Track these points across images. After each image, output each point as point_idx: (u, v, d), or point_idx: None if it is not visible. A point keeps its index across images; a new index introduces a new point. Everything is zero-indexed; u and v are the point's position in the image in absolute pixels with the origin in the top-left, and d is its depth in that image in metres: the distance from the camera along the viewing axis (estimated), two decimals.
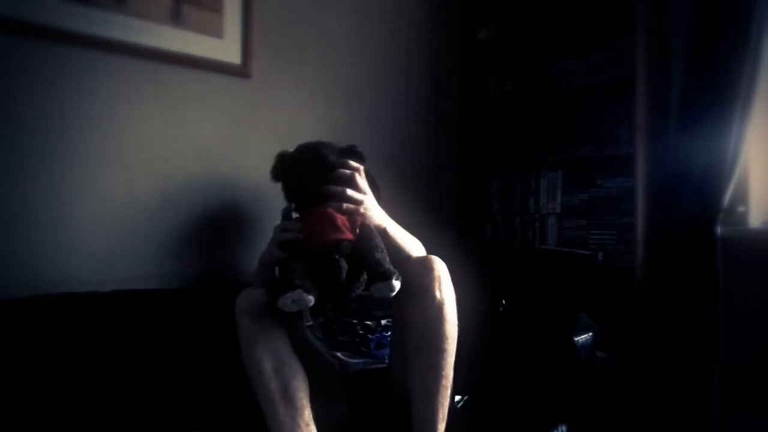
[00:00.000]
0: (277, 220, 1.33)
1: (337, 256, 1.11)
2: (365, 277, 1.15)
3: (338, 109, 2.08)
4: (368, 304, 1.52)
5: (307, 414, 1.13)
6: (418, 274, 1.19)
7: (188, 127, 1.71)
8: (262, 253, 1.30)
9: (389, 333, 1.50)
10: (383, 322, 1.51)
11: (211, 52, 1.72)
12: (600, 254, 2.08)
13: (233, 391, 1.32)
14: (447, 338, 1.17)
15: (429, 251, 1.46)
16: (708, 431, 1.84)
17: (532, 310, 1.77)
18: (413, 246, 1.33)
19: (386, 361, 1.46)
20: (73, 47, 1.47)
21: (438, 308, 1.16)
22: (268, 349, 1.12)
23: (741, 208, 1.88)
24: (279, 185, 1.32)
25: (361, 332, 1.50)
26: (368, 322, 1.50)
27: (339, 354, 1.45)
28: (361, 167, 1.28)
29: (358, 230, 1.17)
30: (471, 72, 2.52)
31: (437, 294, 1.17)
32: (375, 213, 1.26)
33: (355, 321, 1.50)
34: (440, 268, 1.20)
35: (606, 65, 2.14)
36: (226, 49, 1.76)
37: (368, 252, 1.12)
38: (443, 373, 1.17)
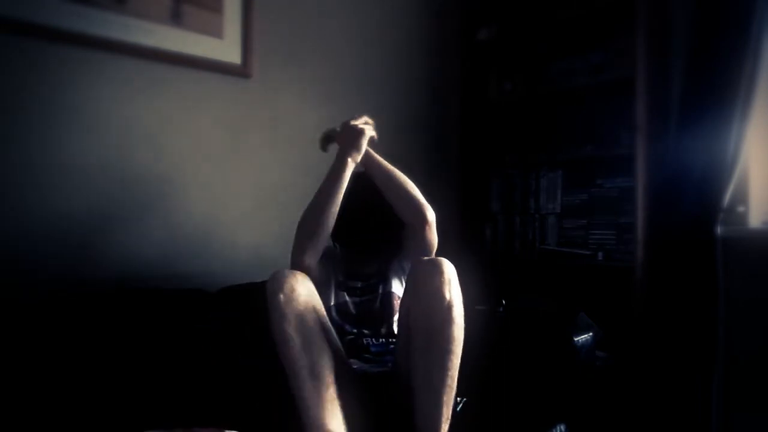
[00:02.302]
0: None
1: None
2: None
3: (338, 109, 2.08)
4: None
5: (332, 392, 1.16)
6: (427, 276, 1.20)
7: (188, 127, 1.71)
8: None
9: (390, 344, 1.49)
10: (383, 330, 1.51)
11: (211, 52, 1.72)
12: (600, 254, 2.08)
13: (233, 390, 1.32)
14: (454, 339, 1.18)
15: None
16: (708, 431, 1.84)
17: (532, 310, 1.77)
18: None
19: (389, 365, 1.46)
20: (73, 47, 1.48)
21: (447, 310, 1.18)
22: (299, 329, 1.16)
23: (741, 208, 1.88)
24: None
25: (364, 342, 1.49)
26: (365, 331, 1.50)
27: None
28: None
29: None
30: (471, 72, 2.52)
31: (446, 295, 1.18)
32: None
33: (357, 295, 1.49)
34: (450, 271, 1.21)
35: (606, 65, 2.14)
36: (226, 49, 1.76)
37: None
38: (449, 373, 1.18)
